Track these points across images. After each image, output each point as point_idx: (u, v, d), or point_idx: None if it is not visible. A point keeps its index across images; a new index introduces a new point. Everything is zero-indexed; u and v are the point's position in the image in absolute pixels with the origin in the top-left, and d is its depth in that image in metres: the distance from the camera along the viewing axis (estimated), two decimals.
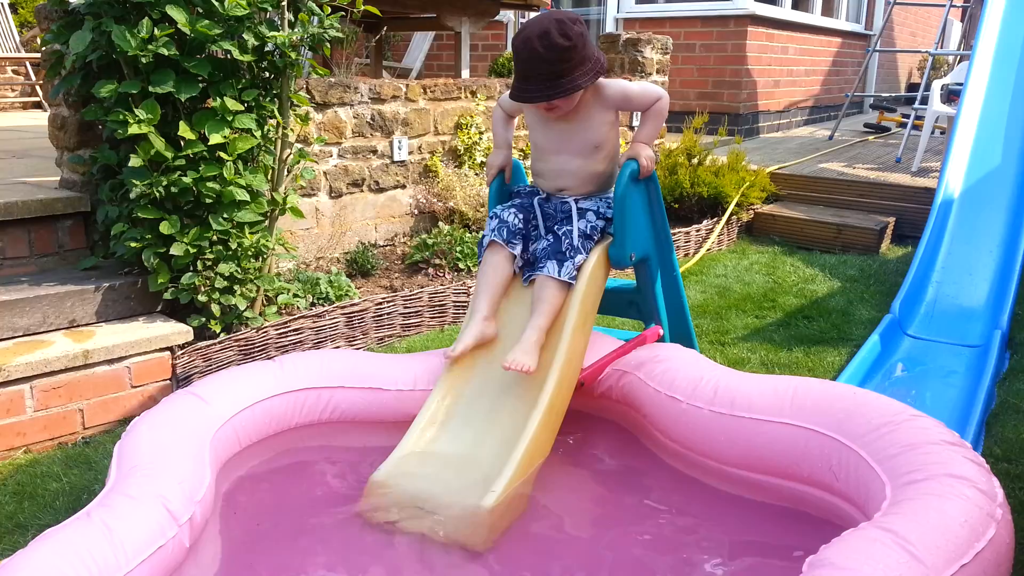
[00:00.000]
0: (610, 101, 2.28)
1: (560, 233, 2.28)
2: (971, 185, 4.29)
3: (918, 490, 1.60)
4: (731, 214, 5.06)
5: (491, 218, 2.37)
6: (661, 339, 2.51)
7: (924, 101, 6.14)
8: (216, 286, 2.91)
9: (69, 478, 2.40)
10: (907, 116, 7.09)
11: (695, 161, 5.23)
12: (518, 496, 1.96)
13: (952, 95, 5.85)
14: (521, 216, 2.35)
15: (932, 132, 6.05)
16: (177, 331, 2.86)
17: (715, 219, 5.02)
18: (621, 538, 1.95)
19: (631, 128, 5.69)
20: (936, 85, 5.71)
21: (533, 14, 7.02)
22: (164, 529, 1.67)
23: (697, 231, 4.85)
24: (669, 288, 2.56)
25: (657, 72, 5.90)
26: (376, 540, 1.91)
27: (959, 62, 6.85)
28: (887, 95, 10.14)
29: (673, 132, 6.84)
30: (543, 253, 2.27)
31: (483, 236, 2.37)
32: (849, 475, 1.82)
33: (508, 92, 2.39)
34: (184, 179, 2.76)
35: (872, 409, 1.88)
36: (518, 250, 2.31)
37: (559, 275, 2.21)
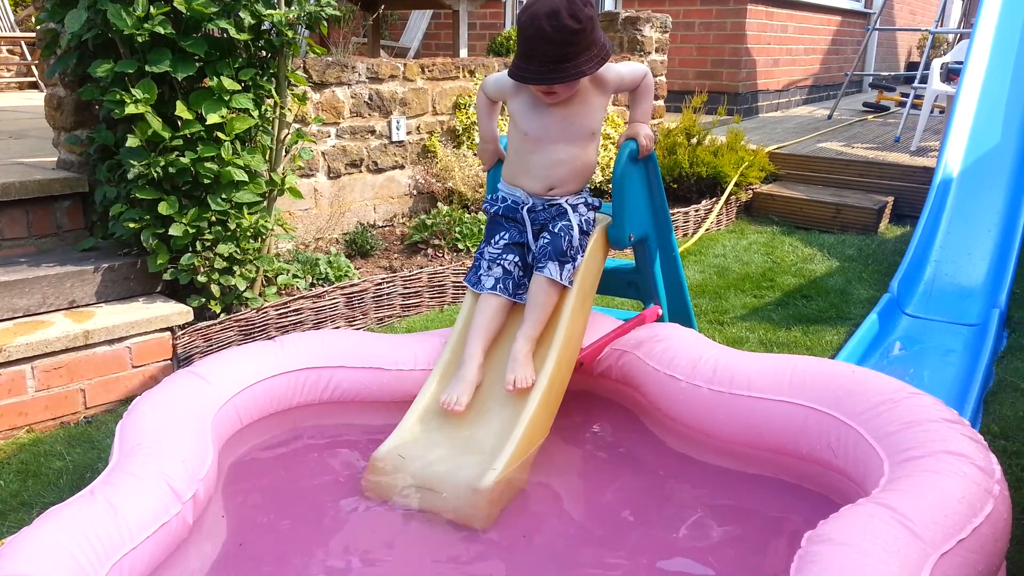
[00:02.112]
0: (608, 85, 2.20)
1: (557, 230, 2.19)
2: (970, 164, 4.28)
3: (916, 467, 1.61)
4: (730, 194, 5.06)
5: (490, 262, 2.23)
6: (660, 319, 2.51)
7: (924, 80, 6.12)
8: (215, 267, 2.90)
9: (72, 457, 2.41)
10: (906, 95, 7.06)
11: (694, 141, 5.22)
12: (518, 475, 1.97)
13: (952, 74, 5.83)
14: (519, 260, 2.24)
15: (931, 111, 6.03)
16: (177, 311, 2.86)
17: (714, 199, 5.02)
18: (620, 515, 1.96)
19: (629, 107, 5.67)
20: (936, 64, 5.69)
21: None
22: (167, 506, 1.68)
23: (696, 211, 4.85)
24: (668, 268, 2.56)
25: (656, 51, 5.87)
26: (377, 518, 1.92)
27: (959, 40, 6.82)
28: (886, 74, 10.10)
29: (672, 112, 6.82)
30: (542, 252, 2.18)
31: (475, 272, 2.25)
32: (848, 452, 1.83)
33: (493, 74, 2.31)
34: (182, 159, 2.75)
35: (871, 387, 1.89)
36: (524, 298, 2.21)
37: (560, 278, 2.15)
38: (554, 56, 2.00)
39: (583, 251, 2.21)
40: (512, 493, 1.95)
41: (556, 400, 2.15)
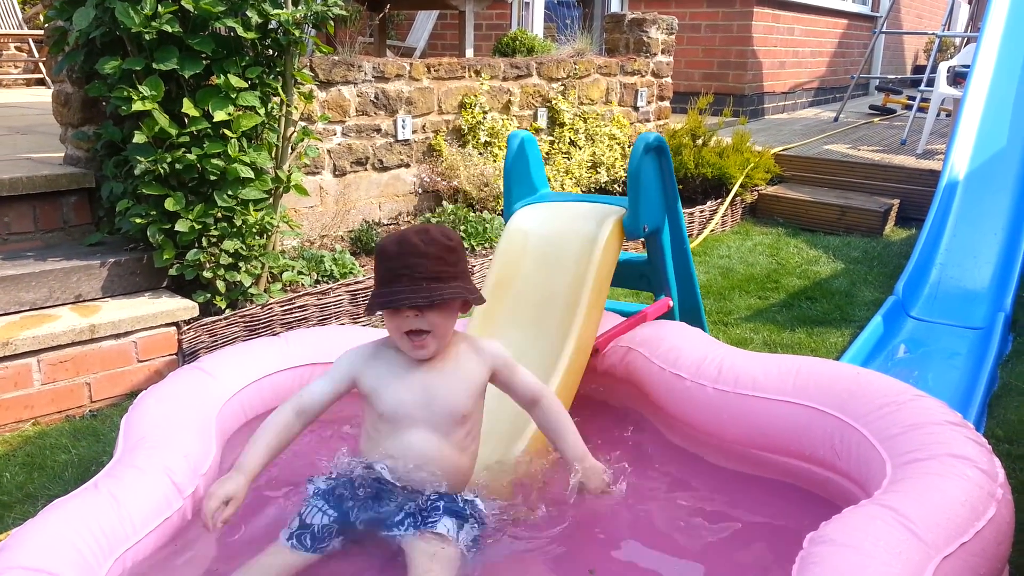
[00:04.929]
0: (487, 356, 1.82)
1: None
2: (976, 167, 4.27)
3: (919, 469, 1.60)
4: (735, 195, 5.05)
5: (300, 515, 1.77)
6: (671, 310, 2.54)
7: (930, 83, 6.11)
8: (221, 263, 2.91)
9: (77, 450, 2.42)
10: (913, 98, 7.05)
11: (699, 142, 5.22)
12: (535, 456, 2.00)
13: (958, 77, 5.82)
14: (334, 513, 1.75)
15: (938, 114, 6.02)
16: (183, 307, 2.87)
17: (719, 200, 5.01)
18: (623, 513, 1.96)
19: (635, 108, 5.67)
20: (942, 67, 5.68)
21: None
22: (170, 501, 1.69)
23: (701, 212, 4.84)
24: (679, 261, 2.60)
25: (662, 52, 5.86)
26: None
27: (966, 44, 6.81)
28: (893, 77, 10.09)
29: (678, 113, 6.82)
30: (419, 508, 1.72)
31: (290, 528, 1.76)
32: (851, 453, 1.82)
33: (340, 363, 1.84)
34: (188, 156, 2.76)
35: (875, 389, 1.88)
36: (337, 543, 1.75)
37: (457, 539, 1.68)
38: (427, 273, 1.66)
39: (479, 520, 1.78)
40: (527, 474, 1.98)
41: (574, 383, 2.18)
